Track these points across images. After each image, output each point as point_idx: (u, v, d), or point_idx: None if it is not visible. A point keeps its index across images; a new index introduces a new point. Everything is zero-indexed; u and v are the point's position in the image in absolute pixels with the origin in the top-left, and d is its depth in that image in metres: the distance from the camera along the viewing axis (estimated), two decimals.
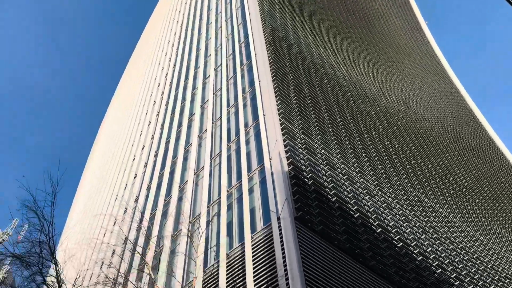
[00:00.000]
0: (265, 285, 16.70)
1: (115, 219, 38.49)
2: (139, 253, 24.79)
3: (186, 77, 46.45)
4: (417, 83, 72.39)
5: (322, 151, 26.77)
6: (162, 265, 23.51)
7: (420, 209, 31.77)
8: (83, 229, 51.30)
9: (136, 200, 36.21)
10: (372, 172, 30.32)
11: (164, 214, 29.07)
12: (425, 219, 30.85)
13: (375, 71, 59.38)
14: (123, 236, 31.08)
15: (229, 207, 23.27)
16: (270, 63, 32.19)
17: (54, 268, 13.40)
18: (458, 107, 79.30)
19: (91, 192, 68.78)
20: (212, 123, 32.64)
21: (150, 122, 49.46)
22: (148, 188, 35.45)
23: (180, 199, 28.75)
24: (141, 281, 24.01)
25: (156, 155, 39.10)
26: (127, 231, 32.24)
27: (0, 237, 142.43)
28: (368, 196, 26.43)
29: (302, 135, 26.25)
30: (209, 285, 19.51)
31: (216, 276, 19.45)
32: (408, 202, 30.92)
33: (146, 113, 54.35)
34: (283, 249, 17.26)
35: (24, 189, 13.95)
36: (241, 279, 18.05)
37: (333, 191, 23.45)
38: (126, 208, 37.68)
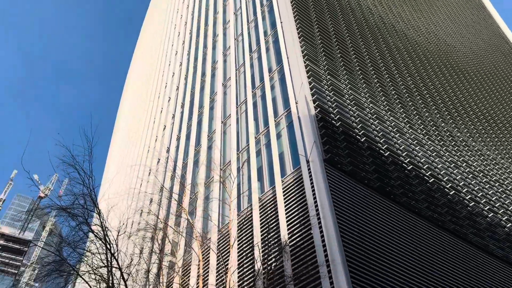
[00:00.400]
0: (297, 225, 17.28)
1: (150, 170, 39.95)
2: (175, 200, 25.89)
3: (206, 24, 45.46)
4: (447, 12, 68.09)
5: (350, 91, 26.23)
6: (198, 210, 24.59)
7: (452, 143, 31.21)
8: (121, 180, 53.65)
9: (168, 151, 37.24)
10: (402, 109, 29.67)
11: (196, 163, 29.89)
12: (458, 154, 30.39)
13: (403, 2, 56.04)
14: (159, 184, 32.40)
15: (258, 153, 23.61)
16: (291, 1, 30.89)
17: (98, 217, 14.21)
18: (492, 36, 74.67)
19: (124, 145, 71.04)
20: (236, 70, 32.29)
21: (173, 73, 49.46)
22: (178, 139, 36.24)
23: (209, 147, 29.33)
24: (180, 226, 25.29)
25: (182, 106, 39.48)
26: (162, 180, 33.54)
27: (43, 192, 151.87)
28: (398, 134, 26.10)
29: (328, 76, 25.67)
30: (244, 227, 20.36)
31: (250, 219, 20.23)
32: (439, 137, 30.37)
33: (169, 64, 54.23)
34: (313, 190, 17.59)
35: (61, 145, 14.48)
36: (274, 220, 18.71)
37: (362, 131, 23.25)
38: (159, 159, 38.90)
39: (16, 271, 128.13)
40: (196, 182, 27.40)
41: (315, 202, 17.05)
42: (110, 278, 13.30)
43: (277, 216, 18.64)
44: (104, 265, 13.57)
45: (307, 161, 18.90)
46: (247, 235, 19.72)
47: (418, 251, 18.54)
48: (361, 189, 19.32)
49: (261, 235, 18.63)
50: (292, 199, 18.61)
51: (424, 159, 25.89)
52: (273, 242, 17.62)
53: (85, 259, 14.40)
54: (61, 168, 14.10)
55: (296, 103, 22.40)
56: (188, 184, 27.83)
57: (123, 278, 13.11)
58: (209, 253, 21.09)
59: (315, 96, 22.39)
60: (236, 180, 23.06)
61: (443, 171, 26.49)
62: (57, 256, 14.61)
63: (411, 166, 24.03)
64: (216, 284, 19.24)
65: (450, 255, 20.23)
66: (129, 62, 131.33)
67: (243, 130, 26.59)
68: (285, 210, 18.51)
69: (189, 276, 21.66)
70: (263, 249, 17.41)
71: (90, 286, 14.21)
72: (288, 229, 17.56)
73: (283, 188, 19.67)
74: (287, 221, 17.95)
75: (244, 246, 19.45)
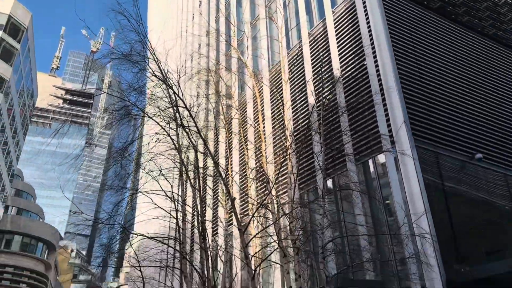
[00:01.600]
0: (350, 57, 16.99)
1: (193, 14, 39.02)
2: (226, 41, 25.78)
3: None
4: None
5: None
6: (248, 50, 24.59)
7: None
8: (170, 26, 53.08)
9: None
10: None
11: (239, 1, 28.57)
12: None
13: None
14: (206, 27, 31.99)
15: None
16: None
17: (156, 63, 14.56)
18: None
19: None
20: None
21: None
22: None
23: None
24: (232, 67, 25.75)
25: None
26: (208, 22, 32.96)
27: (95, 46, 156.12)
28: None
29: None
30: (295, 62, 20.40)
31: (301, 54, 20.06)
32: None
33: None
34: (367, 19, 16.64)
35: None
36: (326, 54, 18.44)
37: None
38: (201, 1, 37.48)
39: (87, 122, 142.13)
40: (242, 21, 26.67)
41: (369, 31, 16.32)
42: (178, 117, 14.36)
43: (329, 49, 18.28)
44: (170, 106, 14.51)
45: None
46: (299, 71, 19.89)
47: (480, 73, 18.02)
48: (419, 12, 18.01)
49: (313, 69, 18.71)
50: (344, 30, 17.87)
51: None
52: (325, 75, 17.71)
53: (152, 102, 15.37)
54: (110, 17, 13.96)
55: None
56: (234, 25, 27.21)
57: (191, 115, 14.15)
58: (263, 90, 21.86)
59: None
60: (284, 16, 22.14)
61: None
62: (125, 102, 15.47)
63: None
64: (273, 117, 20.47)
65: None
66: None
67: None
68: (337, 42, 18.00)
69: (246, 113, 23.06)
70: (316, 82, 17.68)
71: (161, 127, 15.53)
72: (340, 61, 17.39)
73: (334, 20, 18.75)
74: (339, 54, 17.64)
75: (297, 81, 19.83)
